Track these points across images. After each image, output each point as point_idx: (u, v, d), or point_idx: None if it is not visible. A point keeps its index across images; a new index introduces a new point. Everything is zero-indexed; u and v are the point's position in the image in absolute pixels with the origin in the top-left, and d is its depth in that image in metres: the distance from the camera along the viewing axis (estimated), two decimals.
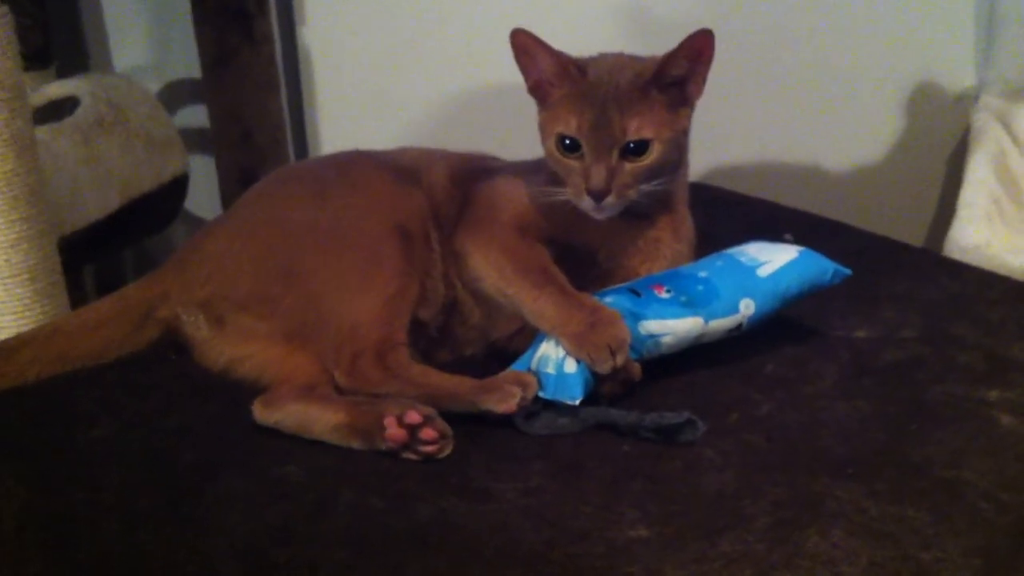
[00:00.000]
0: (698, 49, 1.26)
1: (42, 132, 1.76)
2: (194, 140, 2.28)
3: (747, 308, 1.27)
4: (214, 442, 1.16)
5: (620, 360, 1.18)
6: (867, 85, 2.10)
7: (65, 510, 1.05)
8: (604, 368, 1.17)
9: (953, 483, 1.05)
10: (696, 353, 1.27)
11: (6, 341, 1.34)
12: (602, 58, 1.32)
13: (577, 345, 1.19)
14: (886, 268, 1.56)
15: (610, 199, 1.25)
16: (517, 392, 1.14)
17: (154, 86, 2.29)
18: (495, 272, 1.30)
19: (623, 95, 1.26)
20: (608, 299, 1.24)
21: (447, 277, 1.35)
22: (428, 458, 1.10)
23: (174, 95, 2.31)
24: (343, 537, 0.99)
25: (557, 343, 1.20)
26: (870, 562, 0.93)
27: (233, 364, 1.27)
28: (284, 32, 2.18)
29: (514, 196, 1.36)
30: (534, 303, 1.24)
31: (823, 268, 1.31)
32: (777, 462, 1.09)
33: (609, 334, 1.18)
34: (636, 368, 1.23)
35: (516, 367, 1.23)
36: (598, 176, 1.24)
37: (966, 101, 2.09)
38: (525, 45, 1.29)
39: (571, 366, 1.18)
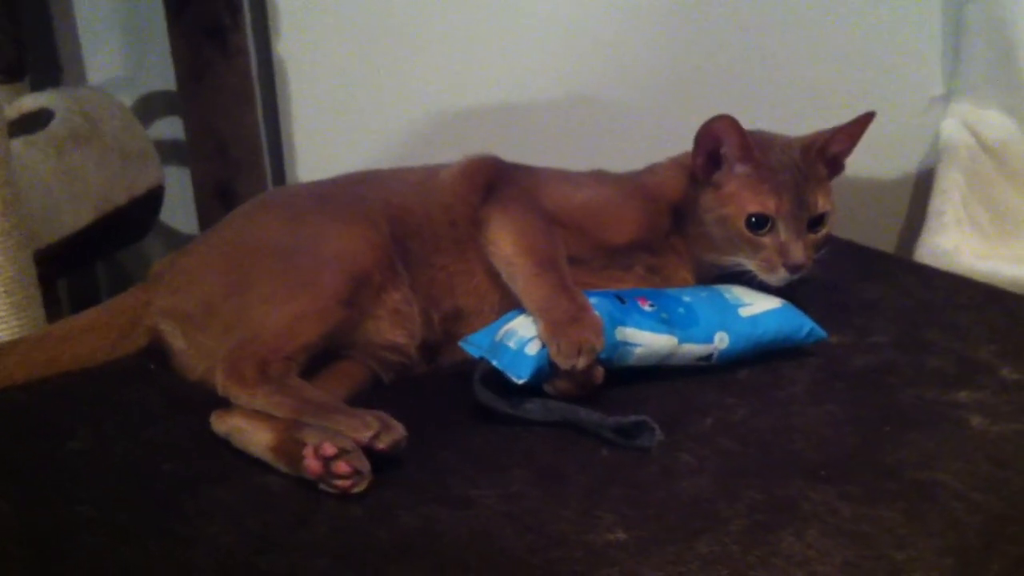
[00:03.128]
0: (861, 129, 1.37)
1: (16, 145, 1.75)
2: (169, 152, 2.27)
3: (721, 341, 1.29)
4: (194, 453, 1.16)
5: (581, 364, 1.19)
6: (837, 94, 2.12)
7: (45, 524, 1.05)
8: (564, 364, 1.19)
9: (925, 484, 1.07)
10: None
11: None
12: (760, 135, 1.39)
13: (552, 332, 1.20)
14: (857, 274, 1.59)
15: (804, 271, 1.33)
16: (375, 426, 1.10)
17: (128, 99, 2.28)
18: (509, 243, 1.32)
19: (808, 172, 1.34)
20: (594, 300, 1.26)
21: (425, 306, 1.36)
22: (343, 493, 1.06)
23: (149, 108, 2.30)
24: (325, 546, 0.99)
25: (530, 325, 1.22)
26: (844, 562, 0.95)
27: (207, 374, 1.26)
28: (259, 45, 2.18)
29: (587, 192, 1.42)
30: (531, 279, 1.27)
31: (800, 324, 1.34)
32: (752, 466, 1.11)
33: (584, 336, 1.19)
34: (599, 372, 1.24)
35: (481, 336, 1.26)
36: (799, 252, 1.32)
37: (935, 109, 2.12)
38: (725, 130, 1.33)
39: (532, 349, 1.20)
